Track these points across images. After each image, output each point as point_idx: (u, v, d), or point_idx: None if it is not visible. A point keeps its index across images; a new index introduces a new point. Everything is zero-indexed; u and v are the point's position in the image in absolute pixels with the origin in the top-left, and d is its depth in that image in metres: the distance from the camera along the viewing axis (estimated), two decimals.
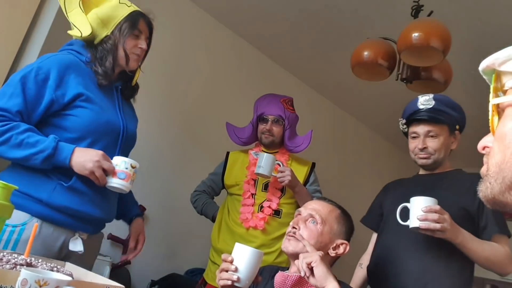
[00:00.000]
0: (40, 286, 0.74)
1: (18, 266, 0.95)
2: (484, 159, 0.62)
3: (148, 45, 1.53)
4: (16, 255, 1.03)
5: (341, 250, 1.33)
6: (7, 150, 1.24)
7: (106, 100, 1.43)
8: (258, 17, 3.06)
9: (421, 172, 1.76)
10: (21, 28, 2.07)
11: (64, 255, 1.37)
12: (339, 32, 2.99)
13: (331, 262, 1.34)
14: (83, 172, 1.29)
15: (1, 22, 1.96)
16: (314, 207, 1.38)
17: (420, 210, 1.40)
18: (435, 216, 1.38)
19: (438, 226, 1.37)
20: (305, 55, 3.43)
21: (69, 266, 1.19)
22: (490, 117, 0.60)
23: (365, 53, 2.17)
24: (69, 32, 1.41)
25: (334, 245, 1.33)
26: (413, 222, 1.42)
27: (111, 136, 1.42)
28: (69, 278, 0.82)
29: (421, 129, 1.66)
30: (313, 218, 1.34)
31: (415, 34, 1.92)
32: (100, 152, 1.30)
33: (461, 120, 1.69)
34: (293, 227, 1.33)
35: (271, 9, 2.93)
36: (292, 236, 1.31)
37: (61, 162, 1.28)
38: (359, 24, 2.83)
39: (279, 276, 1.30)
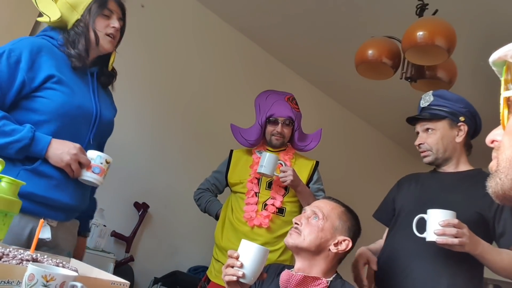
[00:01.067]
0: (47, 281, 0.75)
1: (24, 262, 0.95)
2: (493, 153, 0.60)
3: (123, 26, 1.50)
4: (22, 251, 1.04)
5: (343, 246, 1.32)
6: None
7: (80, 85, 1.40)
8: (261, 15, 3.06)
9: (438, 168, 1.71)
10: (26, 25, 2.09)
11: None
12: (344, 30, 2.99)
13: (335, 259, 1.34)
14: (59, 164, 1.27)
15: (7, 20, 1.97)
16: (317, 205, 1.41)
17: (437, 224, 1.36)
18: (453, 230, 1.33)
19: (456, 241, 1.33)
20: (309, 53, 3.42)
21: (74, 262, 1.20)
22: (500, 111, 0.58)
23: (369, 51, 2.16)
24: (39, 19, 1.40)
25: (336, 241, 1.32)
26: (430, 235, 1.38)
27: (83, 121, 1.38)
28: (75, 274, 0.83)
29: (419, 126, 1.68)
30: (315, 214, 1.36)
31: (420, 33, 1.91)
32: (78, 145, 1.29)
33: (466, 111, 1.64)
34: (296, 223, 1.36)
35: (275, 7, 2.93)
36: (294, 230, 1.35)
37: (37, 153, 1.26)
38: (363, 22, 2.82)
39: (284, 274, 1.31)
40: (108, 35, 1.42)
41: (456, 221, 1.35)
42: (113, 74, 1.55)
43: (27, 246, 1.26)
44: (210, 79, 3.18)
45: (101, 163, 1.33)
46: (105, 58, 1.49)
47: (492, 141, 0.61)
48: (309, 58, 3.50)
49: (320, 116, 3.71)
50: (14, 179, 0.69)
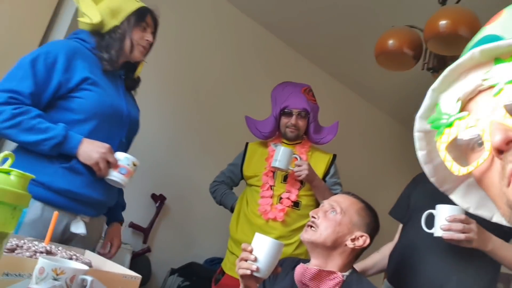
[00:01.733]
0: (57, 275, 0.75)
1: (37, 254, 0.96)
2: (510, 157, 0.43)
3: (153, 39, 1.60)
4: (36, 243, 1.05)
5: (360, 242, 1.30)
6: (18, 133, 1.28)
7: (110, 86, 1.48)
8: (280, 6, 3.01)
9: None
10: (43, 21, 2.11)
11: (66, 237, 1.41)
12: (364, 20, 2.92)
13: (351, 255, 1.32)
14: (88, 162, 1.34)
15: (24, 16, 1.99)
16: (336, 199, 1.39)
17: (444, 219, 1.37)
18: (459, 226, 1.34)
19: (462, 236, 1.33)
20: (328, 44, 3.36)
21: (88, 254, 1.20)
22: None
23: (390, 41, 2.11)
24: (79, 19, 1.47)
25: (353, 236, 1.30)
26: (437, 231, 1.39)
27: (115, 120, 1.46)
28: (86, 267, 0.83)
29: None
30: (333, 208, 1.34)
31: (443, 22, 1.85)
32: (107, 145, 1.37)
33: None
34: (313, 216, 1.34)
35: None
36: (310, 225, 1.33)
37: (69, 150, 1.33)
38: (384, 12, 2.75)
39: (299, 268, 1.29)
40: (141, 45, 1.52)
41: (463, 216, 1.35)
42: (137, 81, 1.66)
43: (60, 240, 1.38)
44: (228, 72, 3.16)
45: (128, 165, 1.40)
46: (132, 64, 1.60)
47: (509, 142, 0.47)
48: (328, 49, 3.44)
49: (339, 108, 3.65)
50: (24, 172, 0.69)
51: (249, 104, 3.04)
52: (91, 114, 1.39)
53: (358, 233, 1.31)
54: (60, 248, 1.10)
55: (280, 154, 1.92)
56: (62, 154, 1.35)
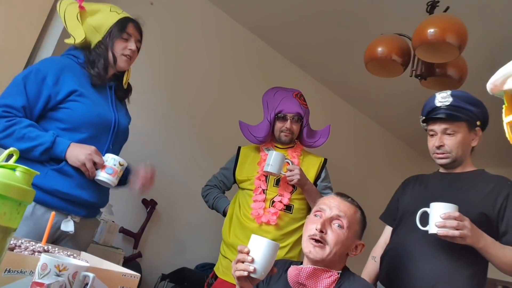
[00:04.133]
0: (60, 271, 0.76)
1: (36, 253, 0.96)
2: None
3: (139, 46, 1.68)
4: (33, 243, 1.05)
5: (358, 250, 1.36)
6: (12, 143, 1.38)
7: (99, 97, 1.58)
8: (269, 12, 3.06)
9: (442, 170, 1.72)
10: (35, 28, 2.12)
11: (57, 236, 1.49)
12: (353, 28, 2.98)
13: (346, 257, 1.35)
14: (76, 164, 1.43)
15: (17, 22, 2.00)
16: (340, 208, 1.33)
17: (439, 217, 1.39)
18: (454, 223, 1.36)
19: (456, 233, 1.36)
20: (317, 51, 3.41)
21: (85, 255, 1.21)
22: (508, 136, 0.56)
23: (379, 48, 2.15)
24: (66, 40, 1.59)
25: (354, 246, 1.34)
26: (432, 228, 1.41)
27: (103, 128, 1.55)
28: (87, 264, 0.83)
29: (438, 127, 1.62)
30: (339, 220, 1.30)
31: (431, 30, 1.90)
32: (93, 147, 1.46)
33: (483, 115, 1.63)
34: (321, 231, 1.28)
35: (284, 5, 2.92)
36: (318, 244, 1.27)
37: (58, 154, 1.43)
38: (373, 20, 2.81)
39: (293, 270, 1.30)
40: (124, 55, 1.60)
41: (457, 213, 1.38)
42: (128, 89, 1.75)
43: (52, 237, 1.46)
44: (218, 76, 3.18)
45: (114, 165, 1.49)
46: (122, 74, 1.69)
47: None
48: (316, 56, 3.49)
49: (327, 114, 3.70)
50: (29, 168, 0.70)
51: (239, 109, 3.06)
52: (79, 123, 1.49)
53: (357, 242, 1.35)
54: (56, 248, 1.11)
55: (272, 158, 1.94)
56: (53, 158, 1.44)
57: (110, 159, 1.49)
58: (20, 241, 1.01)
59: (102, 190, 1.57)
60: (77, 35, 1.55)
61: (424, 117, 1.69)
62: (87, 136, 1.50)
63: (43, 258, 0.76)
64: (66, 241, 1.51)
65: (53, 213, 1.08)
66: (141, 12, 1.68)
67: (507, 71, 0.53)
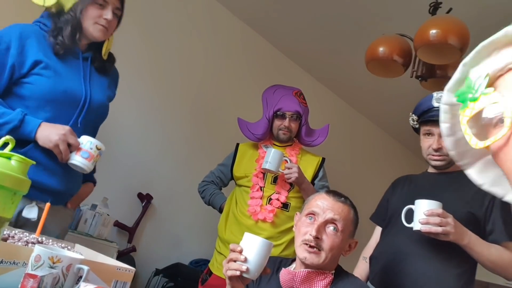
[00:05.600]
0: (54, 263, 0.74)
1: (29, 244, 0.95)
2: None
3: (121, 16, 1.49)
4: (27, 234, 1.03)
5: (352, 248, 1.35)
6: None
7: (67, 69, 1.40)
8: (271, 10, 3.04)
9: (430, 170, 1.72)
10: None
11: (21, 223, 1.35)
12: (355, 28, 2.97)
13: (339, 256, 1.34)
14: (48, 145, 1.28)
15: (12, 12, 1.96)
16: (335, 210, 1.29)
17: (422, 214, 1.41)
18: (437, 219, 1.38)
19: (439, 229, 1.37)
20: (318, 49, 3.40)
21: (79, 248, 1.19)
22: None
23: (381, 48, 2.14)
24: (33, 0, 1.38)
25: (348, 245, 1.33)
26: (416, 224, 1.43)
27: (70, 105, 1.38)
28: (82, 257, 0.82)
29: (436, 129, 1.60)
30: (334, 224, 1.27)
31: (433, 31, 1.89)
32: (68, 127, 1.30)
33: None
34: (316, 237, 1.24)
35: (285, 2, 2.91)
36: (313, 250, 1.24)
37: (27, 134, 1.28)
38: (375, 20, 2.80)
39: (285, 274, 1.27)
40: (98, 24, 1.41)
41: (440, 210, 1.40)
42: (110, 60, 1.55)
43: (15, 225, 1.31)
44: (217, 73, 3.17)
45: (91, 148, 1.33)
46: (100, 44, 1.49)
47: None
48: (317, 55, 3.48)
49: (325, 113, 3.70)
50: (25, 157, 0.68)
51: (237, 105, 3.05)
52: (43, 101, 1.33)
53: (351, 241, 1.34)
54: (50, 240, 1.09)
55: (271, 156, 1.93)
56: (18, 141, 1.29)
57: (86, 142, 1.33)
58: (13, 231, 1.00)
59: (72, 176, 1.42)
60: None
61: (417, 117, 1.68)
62: (52, 116, 1.34)
63: (37, 249, 0.75)
64: (31, 229, 1.33)
65: (48, 204, 1.06)
66: (140, 5, 1.59)
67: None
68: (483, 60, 0.52)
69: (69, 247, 1.07)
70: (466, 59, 0.53)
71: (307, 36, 3.25)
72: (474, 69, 0.52)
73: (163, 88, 2.88)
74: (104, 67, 1.53)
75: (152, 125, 2.82)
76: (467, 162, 0.60)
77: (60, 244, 1.08)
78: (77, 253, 1.04)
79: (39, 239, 1.01)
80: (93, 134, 1.47)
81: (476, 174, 0.60)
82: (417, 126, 1.70)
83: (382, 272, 1.63)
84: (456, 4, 2.12)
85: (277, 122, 2.12)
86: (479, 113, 0.50)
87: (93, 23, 1.41)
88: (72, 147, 1.31)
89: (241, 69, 3.31)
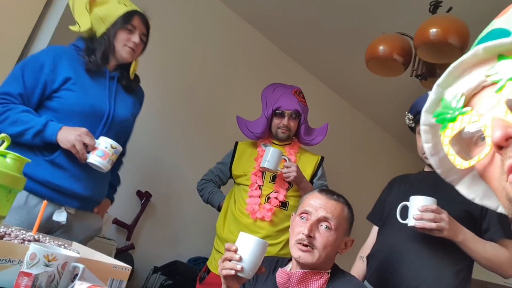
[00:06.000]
0: (49, 261, 0.74)
1: (26, 242, 0.94)
2: (510, 152, 0.44)
3: (146, 41, 1.69)
4: (24, 231, 1.03)
5: (348, 246, 1.34)
6: (6, 128, 1.40)
7: (95, 86, 1.57)
8: (271, 8, 3.03)
9: (426, 169, 1.73)
10: (29, 21, 2.08)
11: (50, 227, 1.49)
12: (355, 26, 2.96)
13: (335, 255, 1.33)
14: (66, 145, 1.41)
15: (8, 18, 1.96)
16: (327, 208, 1.28)
17: (417, 210, 1.41)
18: (431, 215, 1.38)
19: (433, 225, 1.37)
20: (319, 49, 3.39)
21: (76, 246, 1.19)
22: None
23: (381, 47, 2.14)
24: (70, 27, 1.59)
25: (343, 244, 1.33)
26: (411, 221, 1.44)
27: (95, 119, 1.54)
28: (78, 255, 0.82)
29: None
30: (327, 222, 1.27)
31: (433, 30, 1.89)
32: (84, 128, 1.43)
33: None
34: (308, 236, 1.24)
35: (286, 0, 2.90)
36: (306, 248, 1.24)
37: (49, 137, 1.42)
38: (375, 19, 2.79)
39: (281, 275, 1.27)
40: (127, 46, 1.60)
41: (434, 206, 1.40)
42: (135, 80, 1.74)
43: (44, 227, 1.46)
44: (216, 70, 3.16)
45: (106, 147, 1.44)
46: (128, 65, 1.68)
47: (508, 138, 0.47)
48: (317, 53, 3.47)
49: (325, 112, 3.69)
50: (19, 155, 0.68)
51: (237, 104, 3.04)
52: (70, 113, 1.49)
53: (346, 239, 1.33)
54: (47, 238, 1.09)
55: (270, 155, 1.92)
56: (47, 148, 1.44)
57: (102, 141, 1.45)
58: (10, 229, 0.99)
59: (98, 182, 1.56)
60: (83, 23, 1.56)
61: (413, 116, 1.68)
62: (78, 125, 1.47)
63: (32, 247, 0.75)
64: (60, 232, 1.50)
65: (45, 201, 1.06)
66: (140, 8, 1.65)
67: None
68: (456, 80, 0.53)
69: (66, 245, 1.07)
70: (439, 80, 0.54)
71: (307, 35, 3.24)
72: (449, 89, 0.53)
73: (161, 85, 2.87)
74: (130, 86, 1.70)
75: (151, 123, 2.82)
76: (454, 179, 0.61)
77: (57, 242, 1.08)
78: (73, 251, 1.04)
79: (36, 237, 1.00)
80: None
81: (465, 190, 0.60)
82: (413, 125, 1.70)
83: (379, 270, 1.63)
84: (456, 3, 2.11)
85: (276, 121, 2.11)
86: (460, 131, 0.50)
87: (122, 45, 1.59)
88: (89, 147, 1.43)
89: (240, 67, 3.30)
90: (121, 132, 1.66)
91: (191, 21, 3.01)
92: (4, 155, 0.68)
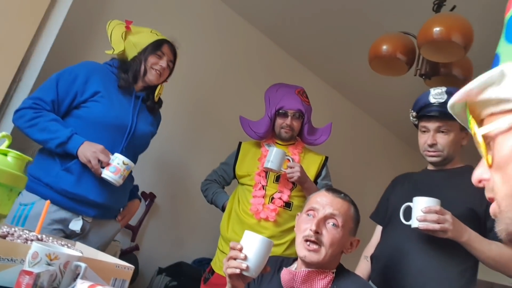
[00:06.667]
0: (51, 260, 0.74)
1: (29, 242, 0.95)
2: (487, 194, 0.55)
3: (172, 68, 1.86)
4: (27, 231, 1.03)
5: (354, 247, 1.33)
6: (35, 132, 1.53)
7: (121, 102, 1.70)
8: (275, 8, 3.03)
9: (430, 167, 1.71)
10: (31, 26, 2.08)
11: (67, 235, 1.59)
12: (358, 25, 2.94)
13: (340, 255, 1.32)
14: (83, 160, 1.54)
15: (10, 24, 1.97)
16: (334, 205, 1.29)
17: (420, 211, 1.40)
18: (434, 216, 1.37)
19: (437, 226, 1.36)
20: (322, 48, 3.38)
21: (79, 245, 1.19)
22: (482, 149, 0.53)
23: (384, 46, 2.12)
24: (106, 51, 1.77)
25: (349, 243, 1.32)
26: (414, 222, 1.42)
27: (118, 131, 1.66)
28: (80, 254, 0.82)
29: (431, 124, 1.60)
30: (334, 219, 1.26)
31: (437, 29, 1.87)
32: (101, 146, 1.55)
33: None
34: (316, 232, 1.24)
35: (288, 0, 2.90)
36: (313, 247, 1.24)
37: (71, 150, 1.54)
38: (378, 18, 2.78)
39: (286, 274, 1.26)
40: (154, 69, 1.76)
41: (438, 207, 1.39)
42: (159, 103, 1.89)
43: (63, 234, 1.58)
44: (220, 71, 3.16)
45: (118, 164, 1.56)
46: (153, 89, 1.83)
47: (480, 181, 0.54)
48: (320, 53, 3.46)
49: (328, 111, 3.68)
50: (21, 154, 0.68)
51: (240, 104, 3.04)
52: (95, 122, 1.61)
53: (353, 239, 1.32)
54: (50, 238, 1.09)
55: (273, 155, 1.92)
56: (67, 157, 1.56)
57: (114, 158, 1.56)
58: (13, 229, 1.00)
59: (115, 191, 1.64)
60: (117, 47, 1.74)
61: (415, 113, 1.67)
62: (102, 136, 1.60)
63: (34, 246, 0.75)
64: (75, 240, 1.52)
65: (48, 201, 1.06)
66: (170, 38, 1.85)
67: (486, 79, 0.51)
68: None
69: (69, 245, 1.07)
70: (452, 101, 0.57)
71: (309, 34, 3.23)
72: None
73: (166, 87, 2.87)
74: (153, 107, 1.85)
75: None
76: None
77: (60, 242, 1.08)
78: (77, 251, 1.04)
79: (39, 236, 1.01)
80: (133, 160, 1.71)
81: None
82: (416, 122, 1.69)
83: (383, 271, 1.62)
84: (460, 1, 2.10)
85: (279, 121, 2.11)
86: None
87: (150, 68, 1.75)
88: (103, 163, 1.55)
89: (244, 68, 3.30)
90: (138, 147, 1.80)
91: (195, 23, 3.01)
92: (5, 154, 0.68)
